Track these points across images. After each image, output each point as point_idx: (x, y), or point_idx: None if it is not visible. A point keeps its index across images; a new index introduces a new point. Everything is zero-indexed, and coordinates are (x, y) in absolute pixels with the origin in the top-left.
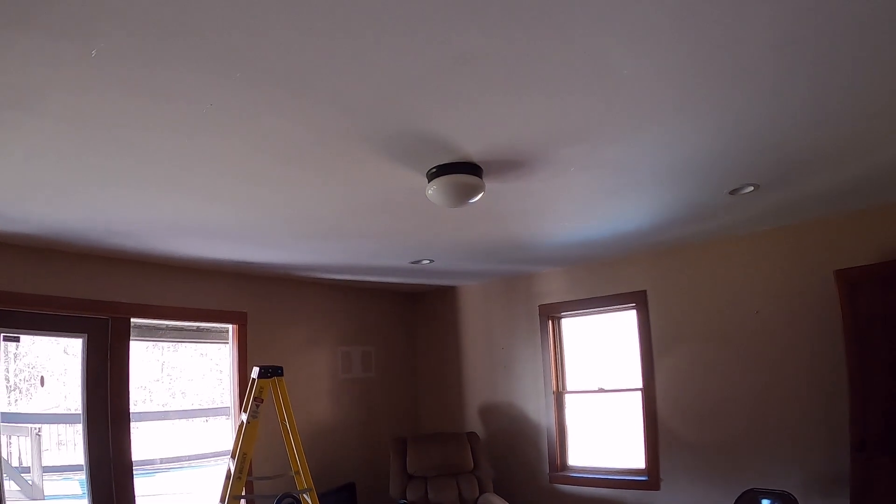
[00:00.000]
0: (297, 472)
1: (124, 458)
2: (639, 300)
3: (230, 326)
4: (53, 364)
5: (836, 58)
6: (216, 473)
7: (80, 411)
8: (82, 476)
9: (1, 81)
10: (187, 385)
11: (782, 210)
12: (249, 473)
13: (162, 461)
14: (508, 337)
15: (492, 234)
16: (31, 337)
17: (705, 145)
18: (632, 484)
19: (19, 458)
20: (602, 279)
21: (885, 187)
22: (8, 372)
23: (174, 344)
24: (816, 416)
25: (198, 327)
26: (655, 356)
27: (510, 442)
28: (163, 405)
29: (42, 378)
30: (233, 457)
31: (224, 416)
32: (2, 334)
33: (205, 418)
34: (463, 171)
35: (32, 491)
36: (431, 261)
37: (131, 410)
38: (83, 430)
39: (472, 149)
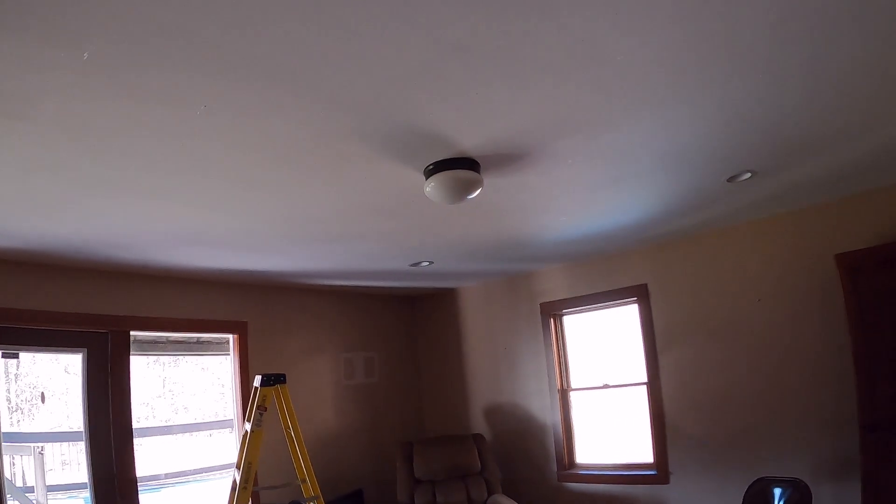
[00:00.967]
0: (304, 481)
1: (129, 474)
2: (640, 294)
3: (230, 336)
4: (55, 384)
5: (832, 39)
6: (222, 486)
7: (82, 429)
8: (87, 493)
9: None
10: (190, 400)
11: (780, 196)
12: (255, 483)
13: (167, 476)
14: (511, 337)
15: (491, 232)
16: (31, 355)
17: (701, 131)
18: (641, 479)
19: (23, 477)
20: (602, 274)
21: (882, 170)
22: (10, 392)
23: (175, 359)
24: (823, 400)
25: (198, 339)
26: (659, 349)
27: (517, 442)
28: (166, 421)
29: (42, 395)
30: (238, 467)
31: (228, 429)
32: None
33: (209, 432)
34: (460, 167)
35: None
36: (431, 262)
37: (135, 426)
38: (86, 446)
39: (468, 143)
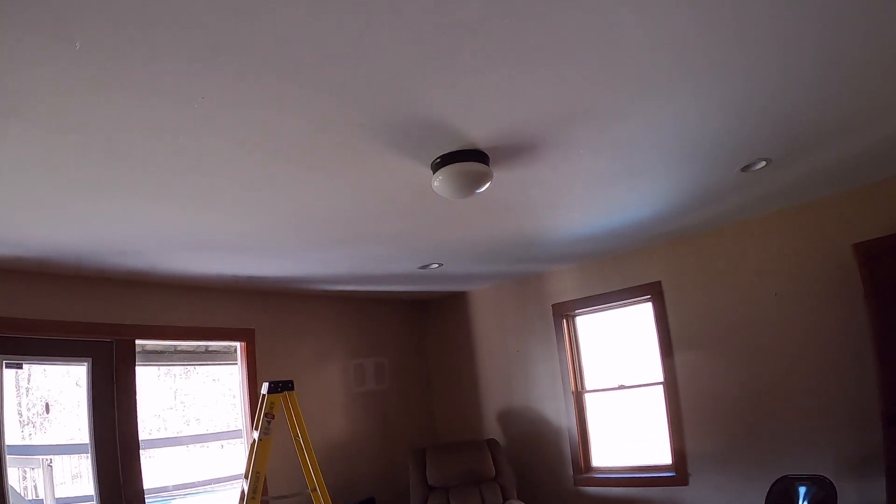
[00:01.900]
0: (314, 490)
1: (135, 486)
2: (654, 292)
3: (237, 344)
4: (66, 396)
5: (843, 27)
6: (232, 497)
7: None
8: None
9: None
10: (201, 411)
11: (795, 187)
12: (264, 493)
13: (175, 487)
14: (523, 339)
15: (501, 231)
16: (39, 366)
17: (715, 117)
18: (659, 481)
19: (34, 490)
20: (614, 273)
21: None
22: (20, 406)
23: (186, 370)
24: (845, 394)
25: (206, 349)
26: (675, 347)
27: (531, 446)
28: (177, 432)
29: (47, 405)
30: (246, 477)
31: (239, 440)
32: (3, 361)
33: (220, 443)
34: (469, 159)
35: None
36: (440, 264)
37: (145, 438)
38: (91, 457)
39: (477, 134)
